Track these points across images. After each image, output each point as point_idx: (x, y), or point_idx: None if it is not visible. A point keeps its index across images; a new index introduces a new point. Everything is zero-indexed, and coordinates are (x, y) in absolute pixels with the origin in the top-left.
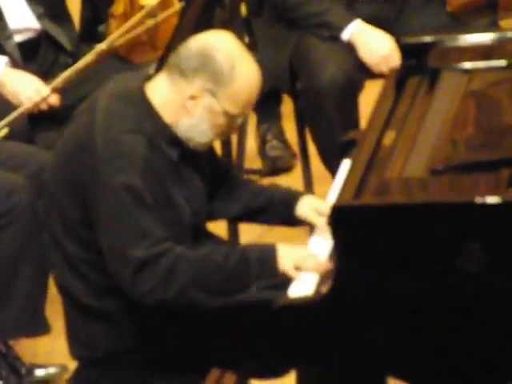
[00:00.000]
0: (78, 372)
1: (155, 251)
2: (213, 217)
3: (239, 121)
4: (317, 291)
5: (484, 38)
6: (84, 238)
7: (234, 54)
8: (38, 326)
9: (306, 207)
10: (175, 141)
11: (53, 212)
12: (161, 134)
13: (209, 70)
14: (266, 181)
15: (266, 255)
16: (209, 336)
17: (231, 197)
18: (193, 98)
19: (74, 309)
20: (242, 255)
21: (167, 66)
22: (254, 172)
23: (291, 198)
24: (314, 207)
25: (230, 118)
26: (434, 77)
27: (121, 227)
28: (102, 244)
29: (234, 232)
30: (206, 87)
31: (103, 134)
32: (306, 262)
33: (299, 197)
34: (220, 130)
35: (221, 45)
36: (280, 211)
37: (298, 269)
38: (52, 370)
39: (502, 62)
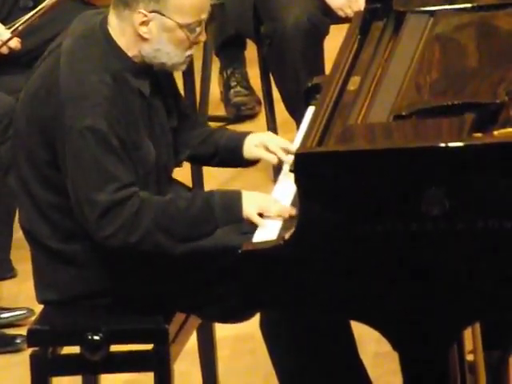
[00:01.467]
0: (43, 314)
1: (120, 196)
2: None
3: (200, 29)
4: (280, 237)
5: None
6: (51, 180)
7: None
8: (3, 271)
9: (251, 147)
10: (143, 71)
11: (21, 154)
12: (127, 68)
13: None
14: (231, 127)
15: (230, 201)
16: (173, 280)
17: (181, 141)
18: (143, 23)
19: (40, 253)
20: (206, 200)
21: (112, 2)
22: (218, 119)
23: (236, 141)
24: (260, 143)
25: (188, 28)
26: (398, 20)
27: (86, 171)
28: (67, 187)
29: (198, 179)
30: (150, 9)
31: (67, 75)
32: (269, 207)
33: (244, 138)
34: (186, 45)
35: None
36: (227, 156)
37: (261, 214)
38: (18, 313)
39: (467, 5)
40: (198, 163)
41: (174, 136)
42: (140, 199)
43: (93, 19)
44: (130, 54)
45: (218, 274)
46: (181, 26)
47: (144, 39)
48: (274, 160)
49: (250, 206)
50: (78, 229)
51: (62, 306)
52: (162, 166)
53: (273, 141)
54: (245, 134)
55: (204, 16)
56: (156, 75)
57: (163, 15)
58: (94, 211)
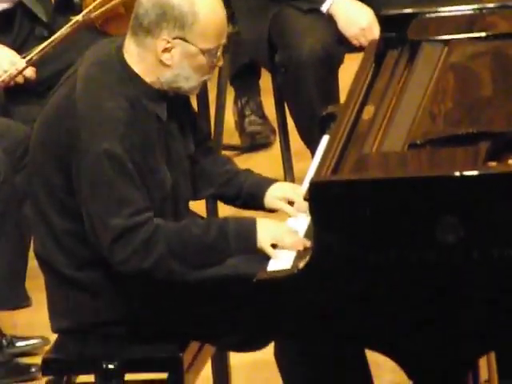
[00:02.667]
0: (58, 343)
1: (134, 221)
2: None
3: (219, 53)
4: (294, 265)
5: (464, 9)
6: (67, 207)
7: None
8: (19, 300)
9: (273, 199)
10: (160, 96)
11: (37, 181)
12: (144, 94)
13: (170, 17)
14: (245, 156)
15: (245, 230)
16: (188, 309)
17: (204, 178)
18: (166, 50)
19: (55, 281)
20: (220, 228)
21: (131, 29)
22: (233, 148)
23: (258, 188)
24: (283, 196)
25: (209, 54)
26: (413, 49)
27: (101, 195)
28: (82, 211)
29: (212, 207)
30: (174, 35)
31: (84, 101)
32: (284, 238)
33: (266, 187)
34: (205, 69)
35: None
36: (249, 201)
37: (276, 245)
38: (33, 342)
39: (482, 34)
40: (220, 201)
41: (197, 171)
42: (154, 225)
43: (108, 46)
44: (147, 79)
45: (232, 303)
46: (203, 52)
47: (165, 65)
48: (295, 214)
49: (264, 237)
50: (92, 256)
51: (77, 334)
52: (179, 195)
53: (295, 194)
54: (268, 183)
55: (223, 40)
56: (172, 100)
57: (187, 41)
58: (107, 236)
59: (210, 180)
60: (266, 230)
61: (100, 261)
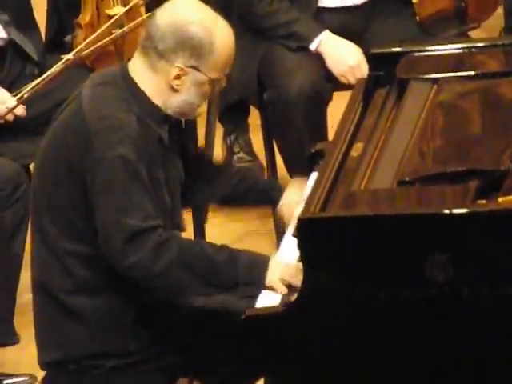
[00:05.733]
0: (45, 381)
1: (148, 225)
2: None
3: (223, 81)
4: (283, 302)
5: (453, 48)
6: (73, 228)
7: (208, 23)
8: (7, 337)
9: (292, 204)
10: (165, 118)
11: (41, 202)
12: (149, 114)
13: (188, 46)
14: None
15: (256, 263)
16: (176, 345)
17: (211, 186)
18: (178, 77)
19: (49, 307)
20: (232, 253)
21: (142, 49)
22: None
23: (271, 197)
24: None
25: (216, 82)
26: (401, 87)
27: (116, 197)
28: (96, 217)
29: (200, 236)
30: (188, 64)
31: (93, 114)
32: (294, 279)
33: (279, 195)
34: (206, 96)
35: (192, 16)
36: (259, 202)
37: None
38: (20, 380)
39: (471, 73)
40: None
41: (201, 188)
42: (168, 232)
43: (111, 69)
44: (154, 101)
45: (221, 338)
46: (211, 81)
47: (174, 90)
48: None
49: (273, 274)
50: (93, 279)
51: (64, 370)
52: (174, 218)
53: None
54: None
55: (228, 70)
56: (173, 125)
57: (199, 71)
58: (120, 235)
59: (221, 182)
60: (277, 268)
61: (99, 286)
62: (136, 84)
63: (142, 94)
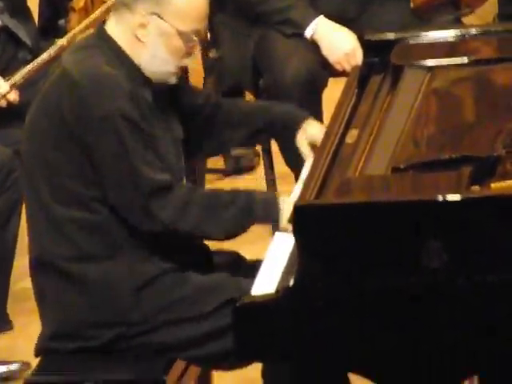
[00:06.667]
0: (39, 367)
1: (168, 178)
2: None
3: (196, 40)
4: (278, 289)
5: (447, 34)
6: (72, 194)
7: None
8: (1, 324)
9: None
10: (147, 80)
11: (38, 172)
12: (132, 73)
13: None
14: (229, 180)
15: (272, 202)
16: (174, 330)
17: (227, 127)
18: (142, 25)
19: (50, 278)
20: (248, 198)
21: (113, 7)
22: (217, 171)
23: (290, 127)
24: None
25: (185, 37)
26: (396, 74)
27: (127, 156)
28: (107, 182)
29: None
30: (150, 11)
31: (81, 72)
32: None
33: (298, 126)
34: (180, 54)
35: None
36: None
37: None
38: (13, 367)
39: (465, 60)
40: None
41: (219, 122)
42: (187, 186)
43: (86, 35)
44: (134, 60)
45: (218, 325)
46: (179, 33)
47: (142, 43)
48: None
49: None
50: (94, 246)
51: (58, 355)
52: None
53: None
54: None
55: (201, 26)
56: (155, 91)
57: (162, 19)
58: (142, 191)
59: (234, 126)
60: (288, 203)
61: (101, 252)
62: (115, 42)
63: (122, 51)
